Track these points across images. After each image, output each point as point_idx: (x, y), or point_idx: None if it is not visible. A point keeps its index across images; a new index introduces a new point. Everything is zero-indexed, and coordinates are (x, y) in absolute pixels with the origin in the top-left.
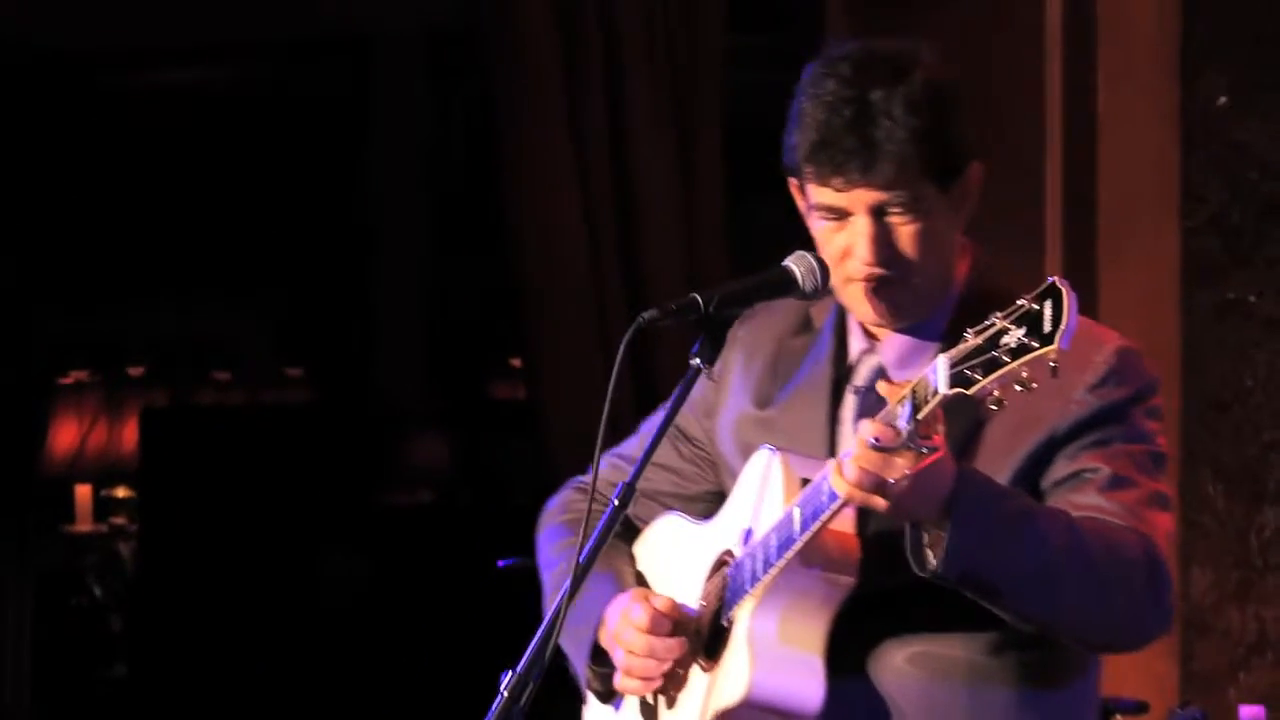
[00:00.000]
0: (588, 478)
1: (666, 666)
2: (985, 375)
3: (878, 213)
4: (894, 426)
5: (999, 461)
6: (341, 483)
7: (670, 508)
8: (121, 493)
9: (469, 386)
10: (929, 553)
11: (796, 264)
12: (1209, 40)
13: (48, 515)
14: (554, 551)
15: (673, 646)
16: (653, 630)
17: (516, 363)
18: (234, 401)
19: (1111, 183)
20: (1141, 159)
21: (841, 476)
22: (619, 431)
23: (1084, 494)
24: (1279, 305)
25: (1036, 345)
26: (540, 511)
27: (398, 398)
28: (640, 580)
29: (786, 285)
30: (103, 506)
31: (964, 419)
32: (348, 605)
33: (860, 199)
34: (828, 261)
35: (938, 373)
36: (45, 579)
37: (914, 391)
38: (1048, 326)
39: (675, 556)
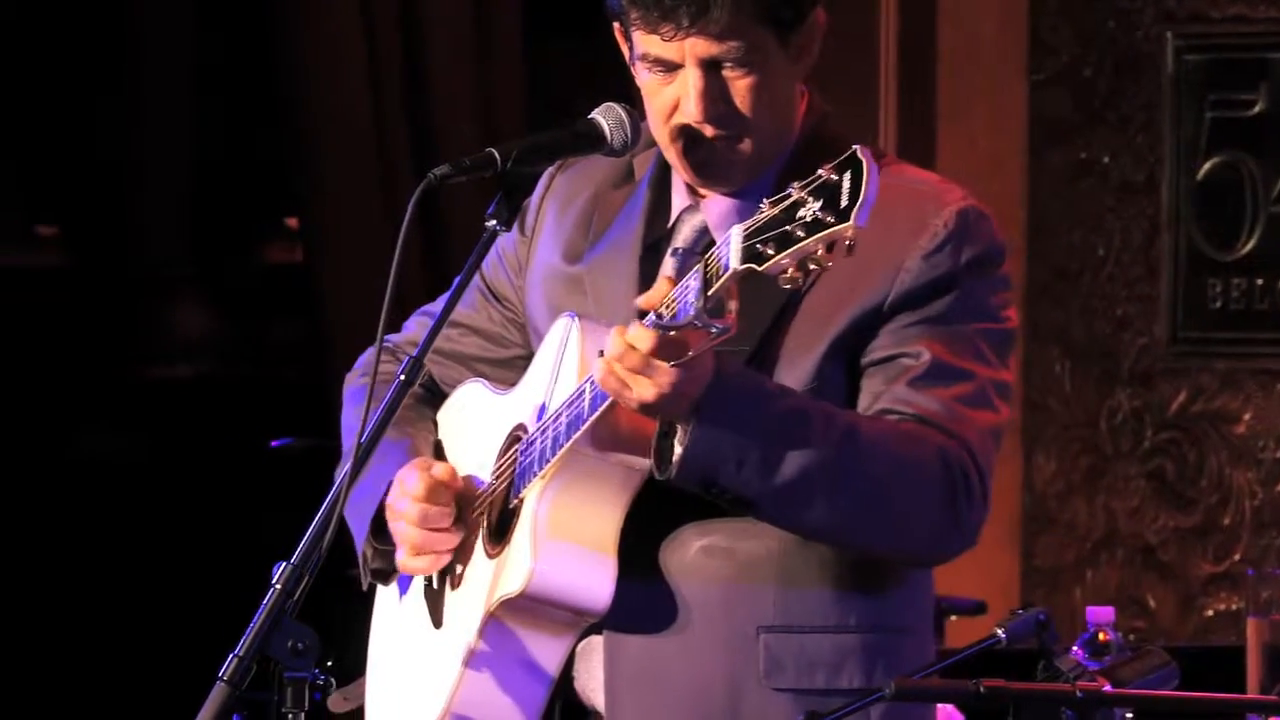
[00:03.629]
0: (395, 335)
1: (445, 540)
2: (778, 251)
3: (710, 66)
4: (684, 305)
5: (816, 332)
6: (98, 354)
7: (480, 373)
8: None
9: (239, 248)
10: (673, 452)
11: (604, 116)
12: None
13: None
14: (354, 416)
15: (446, 515)
16: (428, 499)
17: (293, 223)
18: None
19: (952, 30)
20: (986, 4)
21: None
22: (406, 305)
23: (897, 384)
24: (1135, 168)
25: (832, 221)
26: (312, 386)
27: (160, 259)
28: (438, 450)
29: (593, 140)
30: None
31: (781, 295)
32: (105, 487)
33: (691, 49)
34: (653, 117)
35: (730, 245)
36: None
37: (705, 264)
38: (844, 201)
39: (473, 428)
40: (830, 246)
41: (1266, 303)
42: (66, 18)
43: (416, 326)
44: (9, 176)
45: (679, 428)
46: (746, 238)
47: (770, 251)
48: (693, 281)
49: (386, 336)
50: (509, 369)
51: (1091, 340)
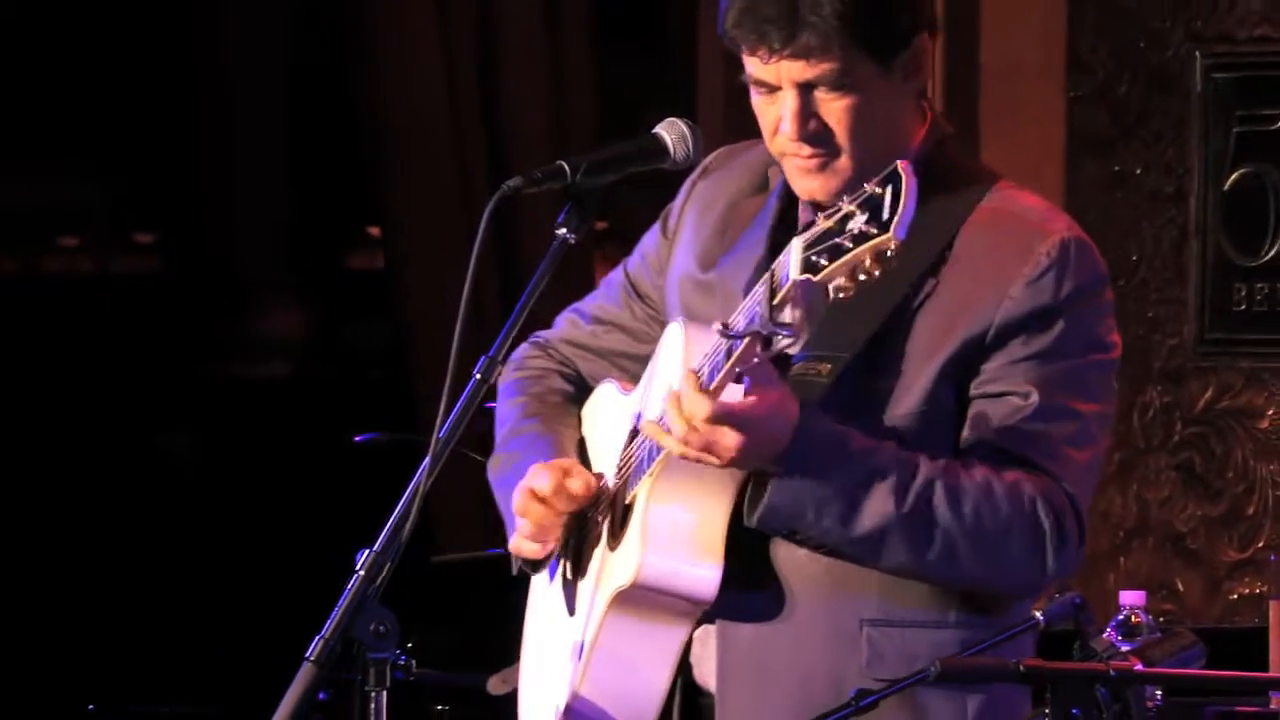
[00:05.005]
0: (546, 332)
1: (550, 532)
2: (830, 262)
3: (804, 88)
4: (750, 317)
5: (928, 354)
6: (194, 355)
7: (623, 368)
8: None
9: (325, 255)
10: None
11: (668, 131)
12: None
13: None
14: (506, 407)
15: (557, 518)
16: (550, 498)
17: (375, 231)
18: (83, 269)
19: (995, 51)
20: (1026, 25)
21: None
22: (482, 308)
23: (1005, 424)
24: (1165, 178)
25: (875, 232)
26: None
27: (251, 265)
28: (581, 446)
29: (657, 153)
30: None
31: (888, 301)
32: (201, 479)
33: (786, 72)
34: (764, 135)
35: (791, 256)
36: None
37: (771, 275)
38: (885, 213)
39: (604, 426)
40: (877, 257)
41: None
42: (165, 41)
43: (566, 324)
44: (110, 188)
45: (768, 475)
46: (805, 249)
47: (824, 262)
48: (760, 290)
49: (538, 333)
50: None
51: (1124, 341)
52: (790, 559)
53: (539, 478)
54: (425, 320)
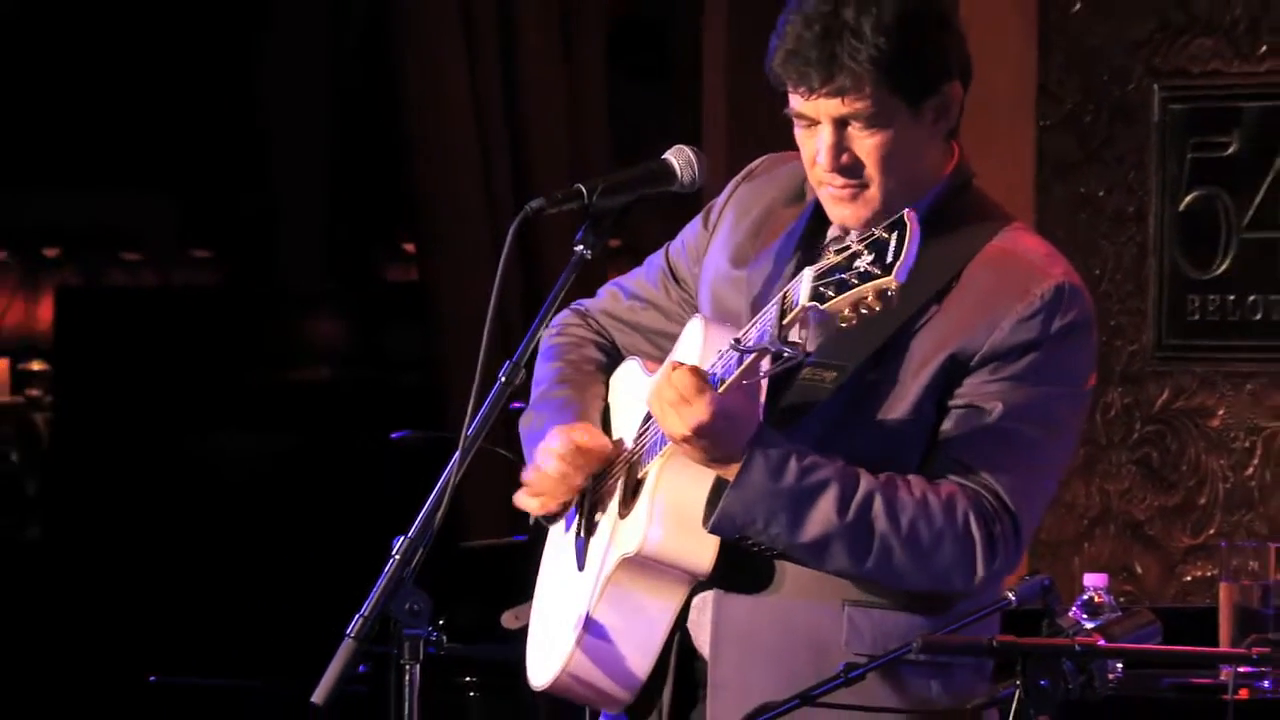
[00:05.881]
0: (589, 301)
1: (557, 491)
2: (837, 294)
3: (840, 123)
4: (761, 333)
5: (916, 372)
6: (246, 360)
7: (655, 344)
8: (37, 366)
9: (365, 269)
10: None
11: (675, 157)
12: None
13: None
14: (543, 369)
15: (570, 474)
16: (562, 459)
17: (409, 247)
18: (145, 282)
19: (974, 83)
20: (1002, 61)
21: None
22: (507, 317)
23: (961, 433)
24: (1126, 200)
25: (878, 273)
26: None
27: (298, 279)
28: (605, 413)
29: (665, 177)
30: (19, 379)
31: (895, 319)
32: (251, 474)
33: (824, 108)
34: (804, 163)
35: (802, 284)
36: None
37: (783, 298)
38: (889, 257)
39: (626, 401)
40: (878, 295)
41: (1237, 315)
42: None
43: (608, 296)
44: (171, 208)
45: (719, 476)
46: (815, 279)
47: (831, 293)
48: (772, 310)
49: (580, 300)
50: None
51: None
52: None
53: (554, 440)
54: (455, 328)
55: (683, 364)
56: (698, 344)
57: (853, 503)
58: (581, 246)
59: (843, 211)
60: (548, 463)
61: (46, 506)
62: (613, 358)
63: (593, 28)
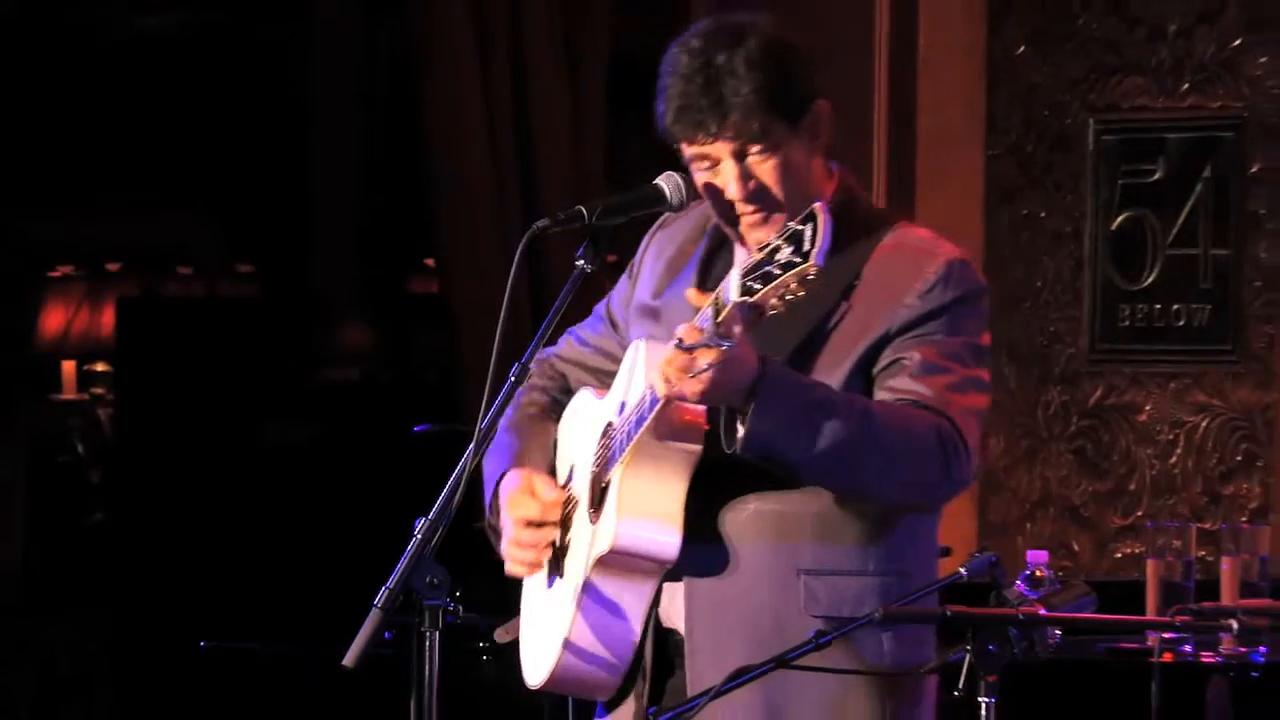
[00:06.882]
0: (551, 348)
1: (542, 551)
2: (763, 286)
3: (739, 155)
4: (700, 328)
5: (841, 357)
6: (284, 362)
7: (603, 382)
8: (100, 367)
9: (391, 282)
10: (737, 432)
11: (665, 181)
12: None
13: (39, 386)
14: (501, 420)
15: (546, 538)
16: (540, 521)
17: (430, 262)
18: (195, 293)
19: (929, 118)
20: (954, 98)
21: (660, 375)
22: (517, 323)
23: (898, 378)
24: (1064, 221)
25: (799, 261)
26: (445, 386)
27: (332, 291)
28: (553, 446)
29: (657, 199)
30: (84, 379)
31: (809, 320)
32: (289, 462)
33: (722, 148)
34: (710, 202)
35: (731, 283)
36: (37, 440)
37: (716, 297)
38: (807, 245)
39: (582, 423)
40: (800, 281)
41: (1163, 323)
42: (266, 114)
43: (564, 343)
44: (218, 228)
45: (740, 413)
46: (742, 277)
47: (758, 286)
48: (708, 311)
49: (546, 349)
50: None
51: (1031, 350)
52: (735, 523)
53: (520, 506)
54: (471, 333)
55: (671, 348)
56: (644, 359)
57: (855, 413)
58: (582, 261)
59: (760, 234)
60: (519, 540)
61: (109, 492)
62: (559, 400)
63: (594, 68)
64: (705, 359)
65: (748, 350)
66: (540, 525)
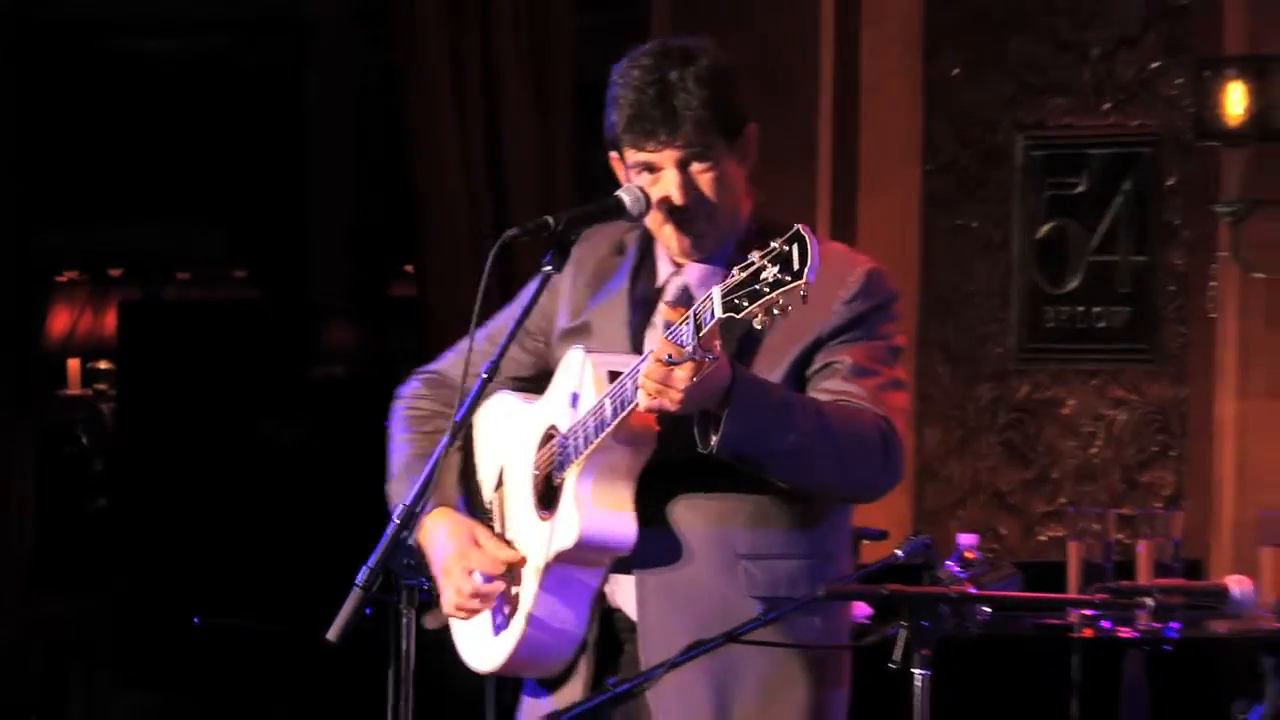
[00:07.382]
0: (432, 365)
1: (482, 596)
2: (751, 303)
3: (682, 164)
4: (680, 344)
5: (776, 361)
6: (277, 361)
7: (519, 387)
8: (103, 365)
9: (374, 286)
10: (711, 435)
11: (626, 193)
12: (948, 25)
13: (46, 382)
14: (399, 441)
15: (496, 589)
16: (491, 579)
17: (410, 268)
18: (194, 297)
19: (870, 136)
20: (893, 118)
21: (640, 388)
22: (486, 321)
23: (833, 380)
24: (995, 230)
25: (789, 279)
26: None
27: (321, 293)
28: (470, 449)
29: (618, 209)
30: (89, 376)
31: (744, 330)
32: (279, 453)
33: (668, 156)
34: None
35: (714, 301)
36: (44, 432)
37: (695, 315)
38: (796, 264)
39: (508, 426)
40: (790, 297)
41: (1085, 324)
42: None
43: (448, 360)
44: (216, 236)
45: (714, 417)
46: (725, 294)
47: (745, 304)
48: (686, 327)
49: (422, 367)
50: (527, 384)
51: (964, 349)
52: (682, 515)
53: (474, 560)
54: (447, 334)
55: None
56: (590, 369)
57: (812, 413)
58: (549, 266)
59: (684, 244)
60: (477, 591)
61: (112, 480)
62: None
63: (562, 92)
64: (685, 371)
65: (724, 361)
66: (491, 579)
